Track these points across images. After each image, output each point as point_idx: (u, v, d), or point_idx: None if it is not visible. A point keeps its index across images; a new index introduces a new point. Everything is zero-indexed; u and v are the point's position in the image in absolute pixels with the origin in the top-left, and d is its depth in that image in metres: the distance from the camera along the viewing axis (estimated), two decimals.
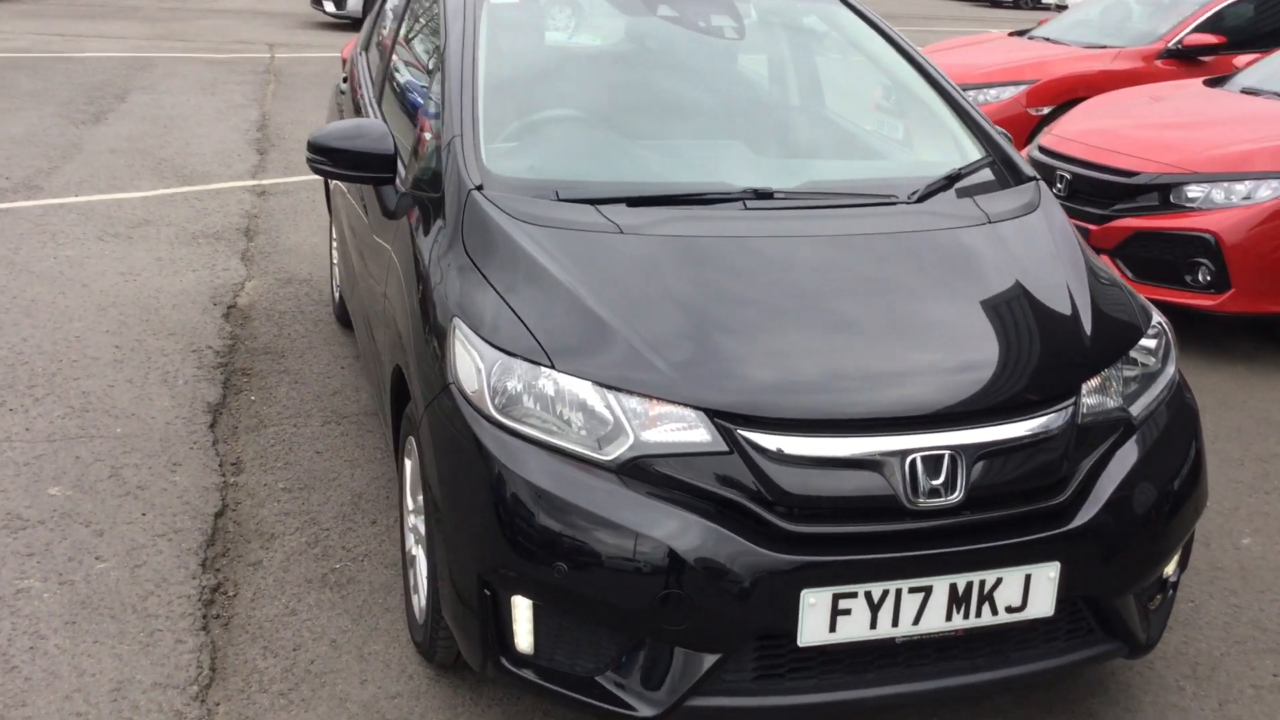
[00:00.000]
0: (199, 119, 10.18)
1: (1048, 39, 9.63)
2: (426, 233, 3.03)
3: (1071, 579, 2.50)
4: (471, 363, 2.56)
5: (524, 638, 2.49)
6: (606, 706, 2.43)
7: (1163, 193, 5.50)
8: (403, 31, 4.15)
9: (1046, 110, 8.46)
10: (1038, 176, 3.29)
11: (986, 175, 3.28)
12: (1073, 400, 2.58)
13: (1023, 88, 8.59)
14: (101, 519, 3.63)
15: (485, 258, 2.76)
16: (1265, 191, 5.29)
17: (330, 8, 17.88)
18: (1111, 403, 2.65)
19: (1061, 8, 25.46)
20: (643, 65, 3.66)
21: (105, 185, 7.75)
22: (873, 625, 2.41)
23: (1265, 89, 6.33)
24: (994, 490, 2.45)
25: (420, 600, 2.93)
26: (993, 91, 8.55)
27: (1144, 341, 2.82)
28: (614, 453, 2.41)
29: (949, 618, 2.45)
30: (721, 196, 2.99)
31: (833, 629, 2.39)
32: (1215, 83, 6.77)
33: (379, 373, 3.53)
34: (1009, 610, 2.48)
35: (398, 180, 3.35)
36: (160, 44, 14.98)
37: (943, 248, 2.90)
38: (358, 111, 4.27)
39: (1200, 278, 5.32)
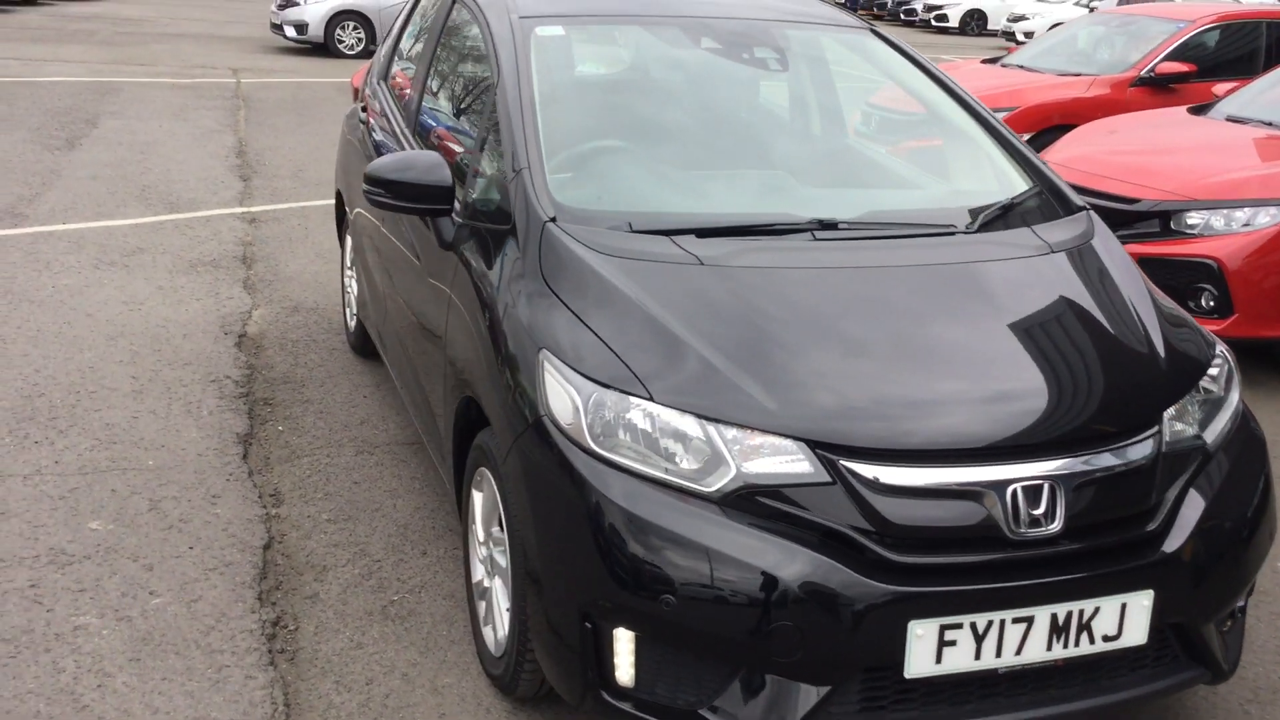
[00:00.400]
0: (175, 145, 10.07)
1: (1021, 66, 9.82)
2: (493, 265, 3.03)
3: (1164, 606, 2.56)
4: (566, 395, 2.57)
5: (625, 670, 2.50)
6: None
7: (1163, 219, 5.63)
8: (436, 60, 4.15)
9: (1025, 138, 8.63)
10: (1087, 206, 3.37)
11: (1037, 205, 3.35)
12: (1157, 429, 2.64)
13: (1000, 115, 8.75)
14: (148, 553, 3.58)
15: (568, 290, 2.77)
16: (1264, 218, 5.43)
17: (291, 33, 17.78)
18: (1189, 430, 2.71)
19: (1024, 35, 25.94)
20: (691, 97, 3.70)
21: (92, 212, 7.64)
22: (977, 656, 2.44)
23: (1249, 117, 6.50)
24: (1089, 519, 2.50)
25: (498, 633, 2.93)
26: None
27: (1210, 369, 2.89)
28: (716, 484, 2.43)
29: (1049, 648, 2.49)
30: (789, 227, 3.03)
31: (939, 660, 2.42)
32: (1199, 110, 6.94)
33: (431, 404, 3.52)
34: (1105, 639, 2.53)
35: (453, 212, 3.35)
36: (121, 68, 14.82)
37: (1014, 278, 2.96)
38: (391, 142, 4.26)
39: (1204, 303, 5.44)
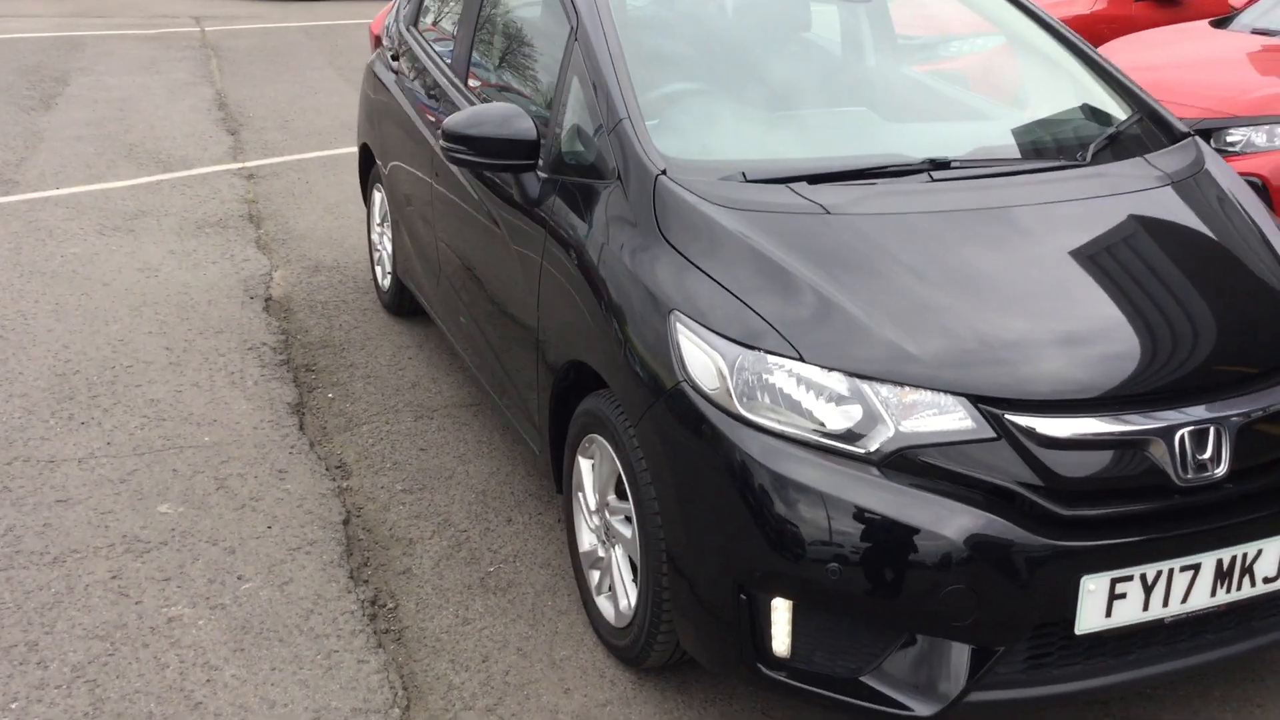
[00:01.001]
0: (152, 100, 9.73)
1: None
2: (596, 222, 2.88)
3: None
4: (708, 359, 2.45)
5: (781, 640, 2.41)
6: (878, 707, 2.36)
7: (1203, 137, 5.53)
8: (485, 5, 3.95)
9: None
10: (1191, 132, 3.26)
11: (1140, 132, 3.23)
12: None
13: None
14: (227, 535, 3.44)
15: (691, 247, 2.64)
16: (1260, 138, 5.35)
17: None
18: None
19: None
20: (770, 33, 3.54)
21: (83, 175, 7.36)
22: (1145, 607, 2.37)
23: (1275, 28, 6.39)
24: (1252, 461, 2.42)
25: (620, 603, 2.83)
26: None
27: None
28: (873, 444, 2.33)
29: (1214, 594, 2.42)
30: (903, 169, 2.90)
31: (1109, 614, 2.35)
32: (1221, 24, 6.83)
33: (511, 368, 3.39)
34: (1265, 581, 2.47)
35: (537, 167, 3.19)
36: (80, 21, 14.30)
37: (1146, 213, 2.85)
38: (441, 93, 4.06)
39: None
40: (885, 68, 3.79)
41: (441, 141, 3.21)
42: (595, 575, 3.02)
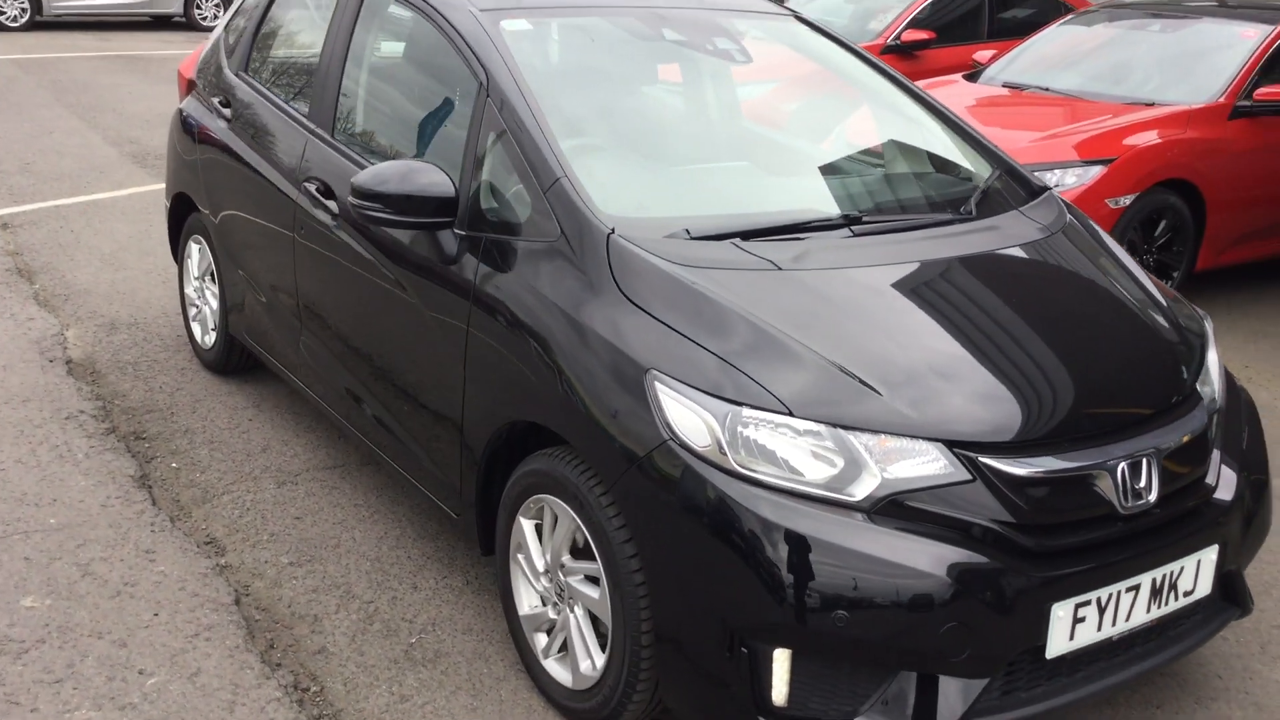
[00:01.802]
0: None
1: None
2: (534, 281, 2.84)
3: (1223, 558, 2.78)
4: (696, 417, 2.48)
5: (780, 690, 2.46)
6: None
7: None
8: (352, 56, 3.81)
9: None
10: (1049, 186, 3.56)
11: (1004, 186, 3.50)
12: (1200, 393, 2.85)
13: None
14: (112, 627, 3.16)
15: (657, 305, 2.66)
16: (1071, 179, 5.91)
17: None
18: (1206, 391, 2.95)
19: None
20: (675, 91, 3.61)
21: None
22: (1099, 628, 2.57)
23: (1027, 83, 7.01)
24: (1172, 486, 2.67)
25: (588, 664, 2.79)
26: None
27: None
28: (862, 493, 2.43)
29: (1149, 610, 2.66)
30: (825, 224, 3.03)
31: (1072, 637, 2.53)
32: (972, 78, 7.44)
33: (416, 429, 3.28)
34: (1185, 595, 2.73)
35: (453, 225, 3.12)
36: None
37: (1050, 261, 3.11)
38: (293, 144, 3.89)
39: None
40: (820, 127, 3.90)
41: (350, 199, 3.10)
42: (541, 638, 2.97)
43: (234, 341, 4.68)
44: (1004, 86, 7.12)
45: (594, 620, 2.81)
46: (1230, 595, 2.93)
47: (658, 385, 2.54)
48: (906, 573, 2.37)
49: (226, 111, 4.45)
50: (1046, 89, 6.87)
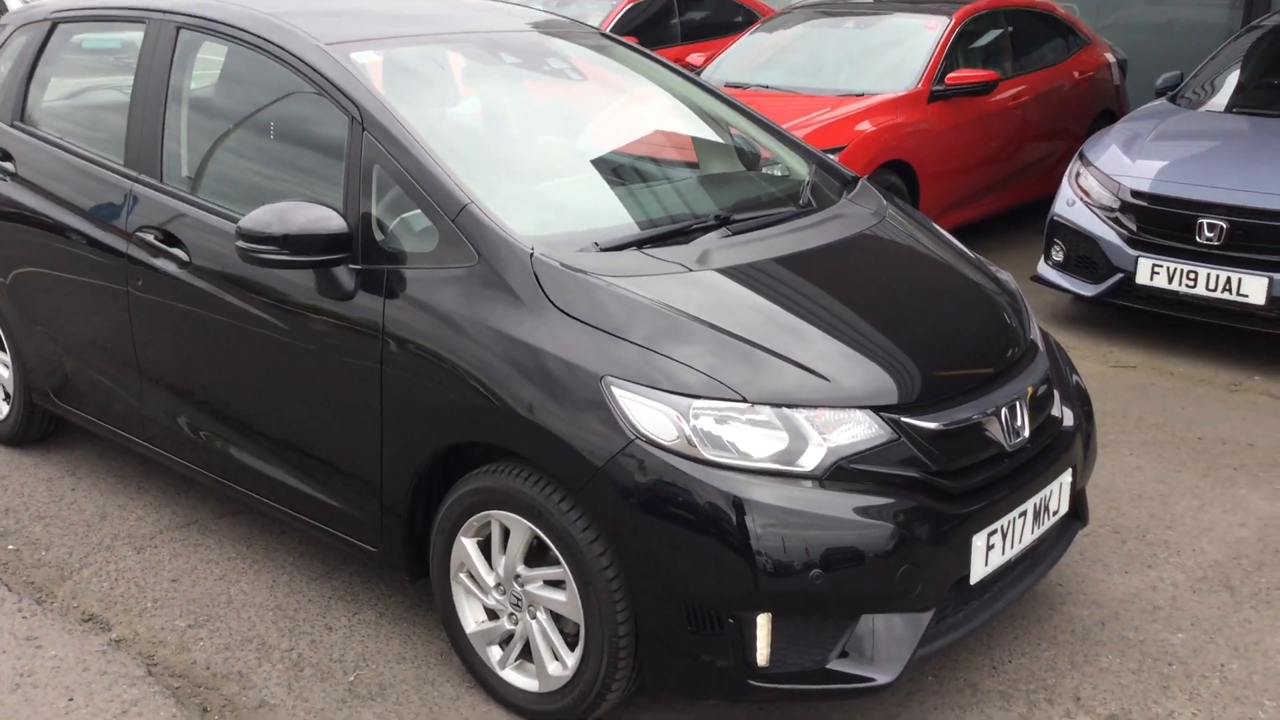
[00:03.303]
0: None
1: None
2: (455, 307, 2.93)
3: (1074, 478, 3.27)
4: (659, 414, 2.67)
5: (763, 651, 2.69)
6: (850, 686, 2.74)
7: None
8: (174, 99, 3.70)
9: None
10: (858, 176, 3.98)
11: (822, 179, 3.88)
12: (1035, 342, 3.33)
13: None
14: None
15: (591, 314, 2.82)
16: None
17: None
18: (1035, 334, 3.43)
19: None
20: (530, 111, 3.73)
21: None
22: (1003, 552, 2.98)
23: (746, 82, 7.53)
24: (1035, 423, 3.11)
25: (556, 666, 2.92)
26: None
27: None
28: (812, 462, 2.71)
29: (1033, 531, 3.09)
30: (703, 226, 3.28)
31: (986, 563, 2.92)
32: None
33: (341, 465, 3.26)
34: (1053, 514, 3.18)
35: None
36: None
37: (898, 241, 3.50)
38: (98, 195, 3.73)
39: None
40: (652, 135, 4.08)
41: (240, 243, 3.06)
42: (495, 651, 3.06)
43: (35, 410, 4.39)
44: (726, 86, 7.62)
45: (558, 622, 2.93)
46: (1076, 511, 3.43)
47: (615, 389, 2.71)
48: (863, 527, 2.67)
49: (7, 165, 4.17)
50: (766, 86, 7.42)
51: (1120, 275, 5.79)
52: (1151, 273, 5.68)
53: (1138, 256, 5.71)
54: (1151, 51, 9.76)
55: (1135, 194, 5.78)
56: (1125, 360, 5.74)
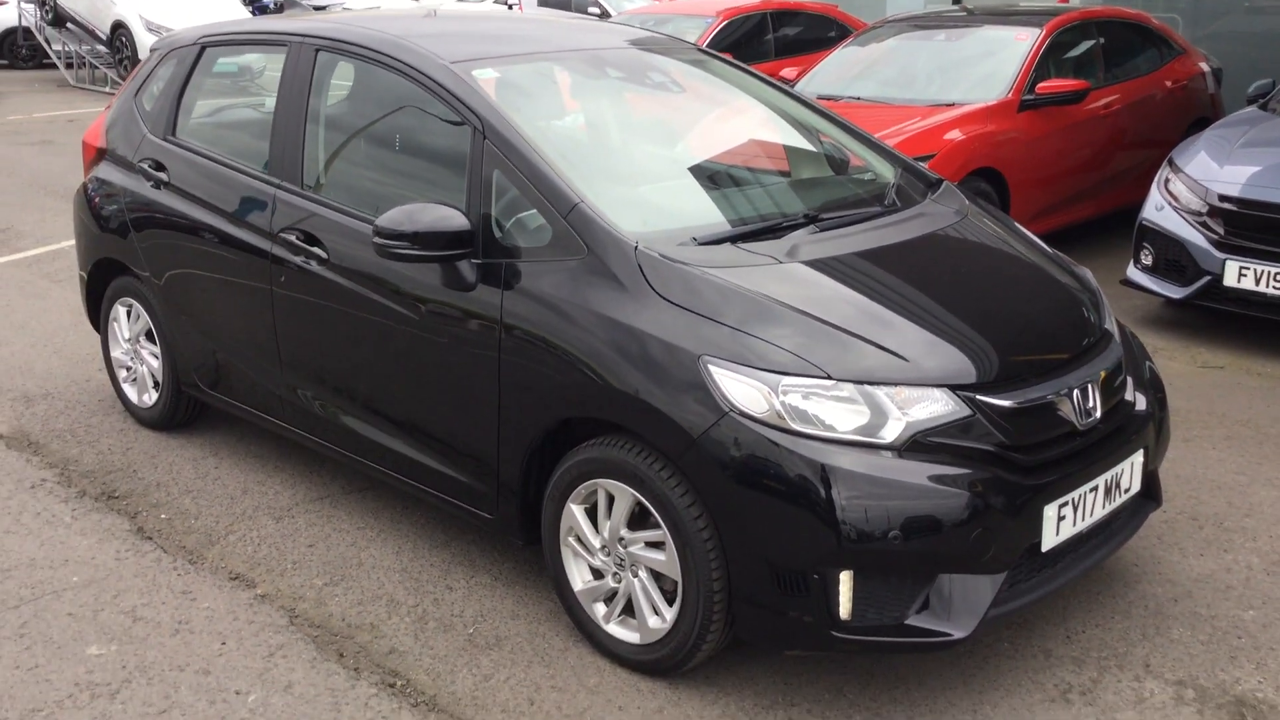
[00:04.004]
0: None
1: None
2: (577, 293, 3.24)
3: (1146, 459, 3.46)
4: (753, 390, 2.95)
5: (845, 606, 2.95)
6: (927, 640, 2.98)
7: None
8: (315, 114, 4.09)
9: None
10: (943, 179, 4.22)
11: (908, 181, 4.12)
12: (1110, 332, 3.54)
13: None
14: (188, 659, 3.36)
15: (691, 301, 3.12)
16: None
17: None
18: (1111, 325, 3.64)
19: None
20: (634, 118, 4.06)
21: None
22: (1074, 524, 3.19)
23: (839, 94, 7.78)
24: (1108, 404, 3.33)
25: (656, 620, 3.20)
26: None
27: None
28: (892, 435, 2.96)
29: (1104, 506, 3.30)
30: (793, 224, 3.56)
31: (1058, 533, 3.14)
32: None
33: (465, 441, 3.57)
34: (1125, 491, 3.39)
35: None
36: None
37: (976, 238, 3.74)
38: (250, 200, 4.14)
39: None
40: (759, 141, 4.38)
41: (376, 239, 3.42)
42: (600, 607, 3.36)
43: (182, 397, 4.83)
44: (818, 98, 7.87)
45: (657, 580, 3.23)
46: (1149, 491, 3.62)
47: (711, 367, 3.00)
48: (940, 494, 2.92)
49: (161, 175, 4.62)
50: (858, 98, 7.65)
51: (1208, 278, 5.91)
52: (1239, 275, 5.79)
53: (1225, 259, 5.83)
54: (1250, 61, 9.76)
55: (1223, 198, 5.89)
56: (1213, 361, 5.86)
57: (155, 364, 4.90)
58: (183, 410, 4.91)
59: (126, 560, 3.93)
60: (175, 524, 4.20)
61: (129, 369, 5.07)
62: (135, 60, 15.78)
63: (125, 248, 4.83)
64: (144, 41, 15.70)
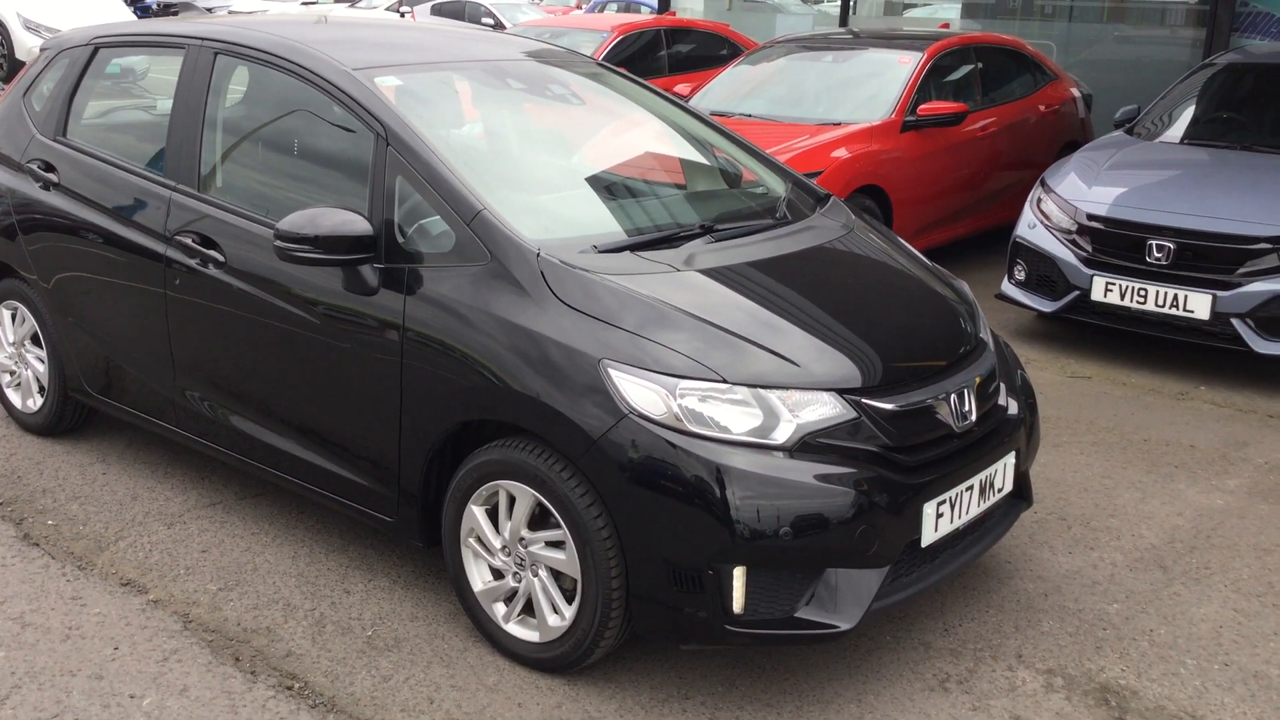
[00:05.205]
0: None
1: None
2: (477, 298, 3.30)
3: (1018, 461, 3.66)
4: (650, 393, 3.05)
5: (739, 601, 3.07)
6: (815, 632, 3.11)
7: None
8: (212, 118, 4.08)
9: None
10: (831, 194, 4.39)
11: (797, 196, 4.28)
12: (984, 340, 3.73)
13: None
14: (80, 665, 3.33)
15: (591, 306, 3.21)
16: None
17: None
18: (986, 335, 3.83)
19: None
20: (533, 130, 4.14)
21: None
22: (951, 520, 3.36)
23: (730, 110, 7.95)
24: (982, 409, 3.51)
25: (555, 619, 3.28)
26: None
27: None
28: (783, 436, 3.09)
29: (979, 504, 3.48)
30: (689, 234, 3.68)
31: (936, 529, 3.31)
32: None
33: (361, 444, 3.61)
34: (998, 491, 3.58)
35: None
36: None
37: (861, 251, 3.90)
38: (143, 203, 4.11)
39: None
40: (643, 155, 4.48)
41: (277, 243, 3.44)
42: (500, 607, 3.43)
43: (69, 402, 4.75)
44: (711, 114, 8.04)
45: (557, 579, 3.30)
46: (1020, 492, 3.82)
47: (611, 371, 3.10)
48: (828, 492, 3.06)
49: (50, 176, 4.55)
50: (749, 115, 7.85)
51: (1077, 293, 6.21)
52: (1105, 290, 6.10)
53: (1093, 275, 6.14)
54: (1118, 87, 10.24)
55: (1091, 217, 6.21)
56: (1081, 371, 6.16)
57: (41, 368, 4.81)
58: (69, 416, 4.84)
59: (12, 566, 3.86)
60: (63, 530, 4.14)
61: (13, 374, 4.97)
62: (11, 59, 15.31)
63: (10, 250, 4.74)
64: (21, 40, 15.24)
